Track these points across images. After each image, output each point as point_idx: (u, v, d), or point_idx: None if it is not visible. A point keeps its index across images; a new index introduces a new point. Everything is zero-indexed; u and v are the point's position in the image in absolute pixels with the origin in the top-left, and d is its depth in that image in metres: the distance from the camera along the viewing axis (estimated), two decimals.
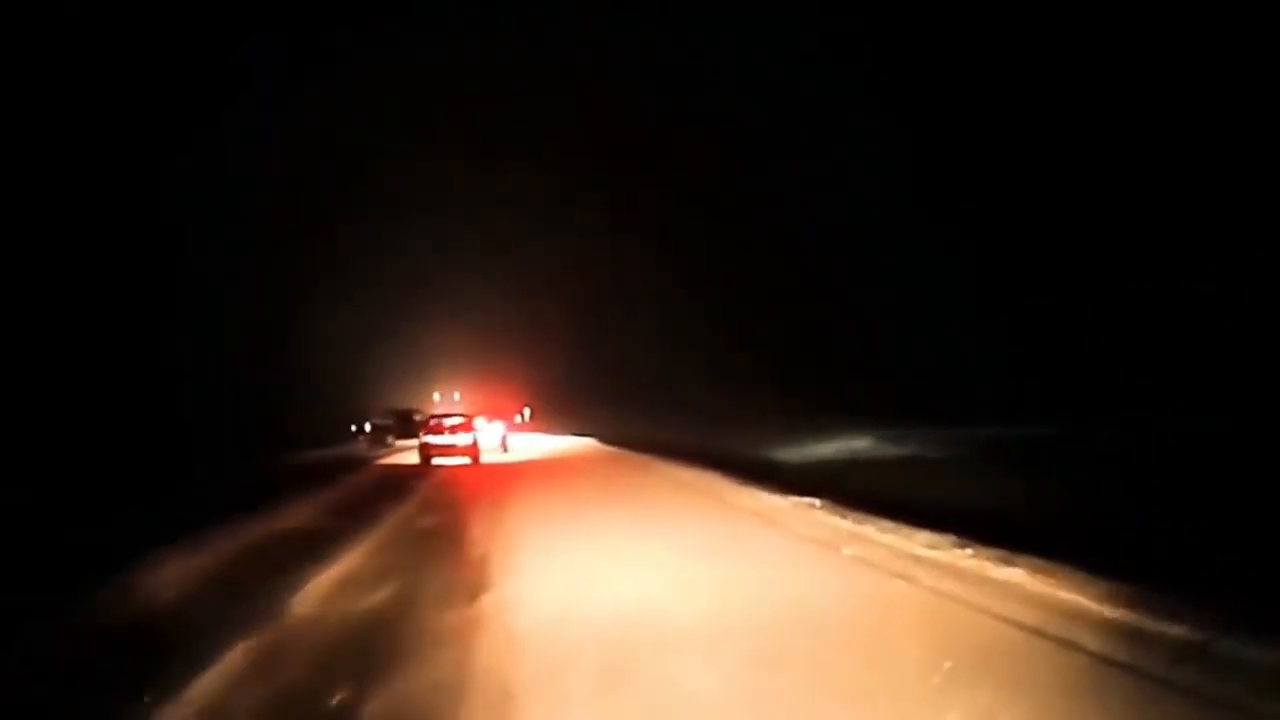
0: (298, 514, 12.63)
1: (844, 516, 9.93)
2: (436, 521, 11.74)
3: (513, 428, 30.12)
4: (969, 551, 7.61)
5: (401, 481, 18.85)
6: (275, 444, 29.02)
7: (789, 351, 38.87)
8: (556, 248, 54.25)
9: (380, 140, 50.31)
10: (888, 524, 9.20)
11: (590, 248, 51.16)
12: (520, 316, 57.77)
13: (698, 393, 37.77)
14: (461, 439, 24.76)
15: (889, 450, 21.84)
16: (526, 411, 33.63)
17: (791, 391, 33.22)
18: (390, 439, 36.31)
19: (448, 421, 25.69)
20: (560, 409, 44.05)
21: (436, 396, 40.03)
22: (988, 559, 7.22)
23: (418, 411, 38.47)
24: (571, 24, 45.90)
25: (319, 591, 7.41)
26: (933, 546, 7.89)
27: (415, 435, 28.52)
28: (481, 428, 27.73)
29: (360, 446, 36.38)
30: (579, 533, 9.98)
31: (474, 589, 7.11)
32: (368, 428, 39.61)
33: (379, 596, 7.08)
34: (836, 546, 8.27)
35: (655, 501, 12.92)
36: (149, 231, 30.57)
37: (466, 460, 24.24)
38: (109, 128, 29.10)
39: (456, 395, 41.59)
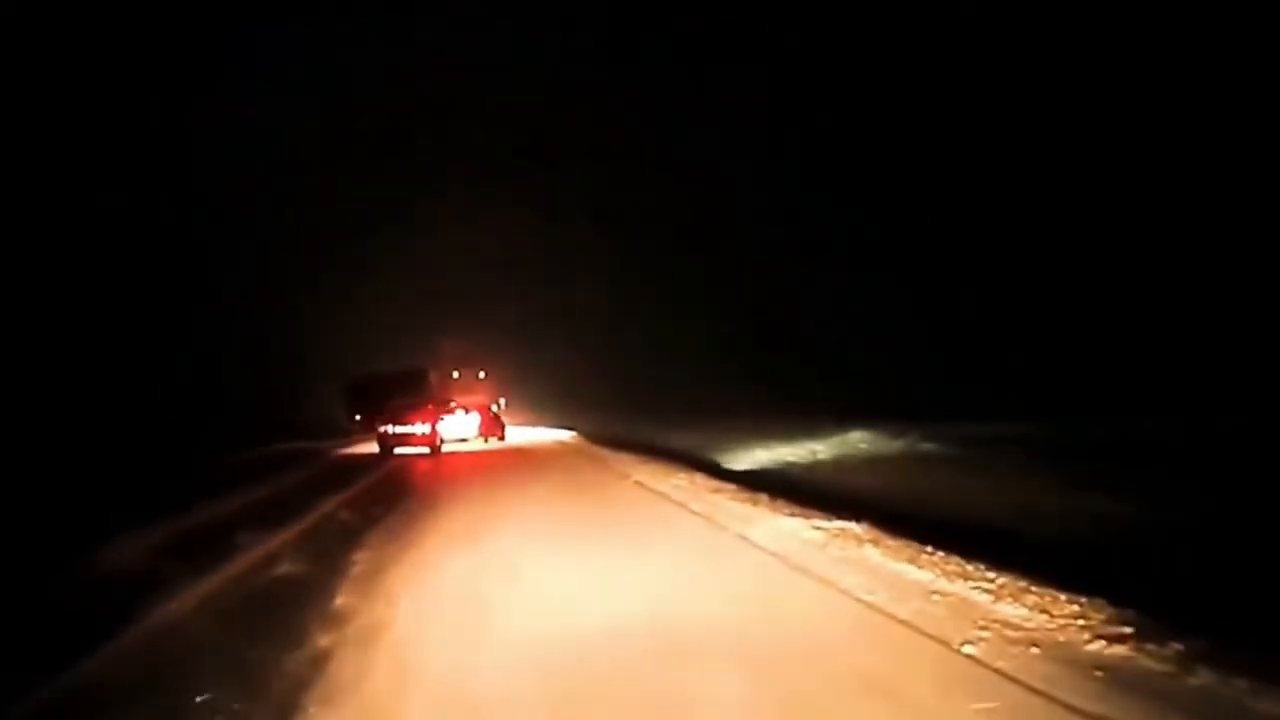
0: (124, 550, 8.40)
1: (915, 562, 6.37)
2: (295, 571, 7.65)
3: (493, 417, 27.57)
4: (1173, 647, 4.18)
5: (330, 481, 15.26)
6: (294, 434, 26.99)
7: (778, 353, 40.88)
8: (555, 249, 56.59)
9: (387, 143, 51.24)
10: (993, 575, 5.78)
11: (588, 247, 52.36)
12: (522, 313, 59.34)
13: (691, 391, 37.68)
14: (420, 428, 22.53)
15: (889, 446, 21.17)
16: (502, 401, 30.84)
17: (780, 390, 33.66)
18: None
19: (407, 410, 23.21)
20: (555, 402, 43.17)
21: (455, 374, 39.55)
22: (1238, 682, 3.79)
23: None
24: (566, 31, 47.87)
25: None
26: (1113, 636, 4.38)
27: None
28: (453, 417, 25.26)
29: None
30: (496, 612, 6.04)
31: None
32: None
33: None
34: (944, 638, 4.41)
35: (638, 533, 8.88)
36: (181, 222, 30.84)
37: (425, 450, 22.16)
38: (115, 107, 28.88)
39: (481, 374, 40.53)
